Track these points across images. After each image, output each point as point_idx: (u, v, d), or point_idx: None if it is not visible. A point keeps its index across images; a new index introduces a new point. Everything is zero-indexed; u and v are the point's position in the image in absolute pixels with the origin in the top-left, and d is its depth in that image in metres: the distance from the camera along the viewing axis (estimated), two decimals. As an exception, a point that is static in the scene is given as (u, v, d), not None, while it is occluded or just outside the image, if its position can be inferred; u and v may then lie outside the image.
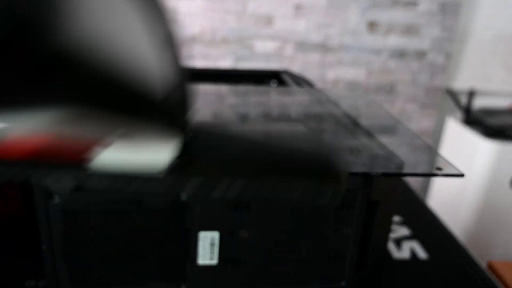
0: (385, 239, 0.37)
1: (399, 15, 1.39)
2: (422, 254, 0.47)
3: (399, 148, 0.35)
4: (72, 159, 0.20)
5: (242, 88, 0.64)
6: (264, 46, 1.42)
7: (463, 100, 1.43)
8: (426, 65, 1.45)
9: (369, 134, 0.38)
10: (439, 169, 0.30)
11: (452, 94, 1.47)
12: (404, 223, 0.54)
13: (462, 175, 0.29)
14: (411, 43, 1.42)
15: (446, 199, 1.41)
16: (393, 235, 0.51)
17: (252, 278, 0.36)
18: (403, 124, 0.43)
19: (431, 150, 0.34)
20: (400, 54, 1.43)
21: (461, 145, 1.37)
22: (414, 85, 1.47)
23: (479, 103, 1.48)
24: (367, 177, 0.33)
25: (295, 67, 1.45)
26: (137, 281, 0.34)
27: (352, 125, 0.42)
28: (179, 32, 0.19)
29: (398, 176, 0.34)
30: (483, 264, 0.47)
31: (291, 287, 0.37)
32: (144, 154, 0.20)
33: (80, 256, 0.33)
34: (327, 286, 0.37)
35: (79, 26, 0.17)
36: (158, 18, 0.18)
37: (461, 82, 1.49)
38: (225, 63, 1.42)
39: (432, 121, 1.52)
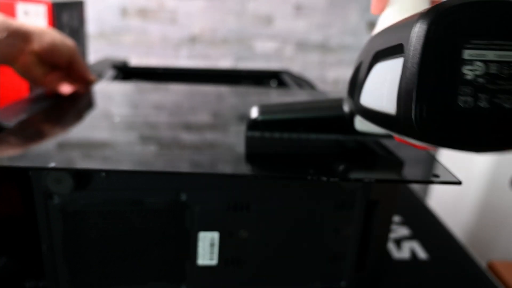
0: (385, 239, 0.37)
1: (399, 15, 1.38)
2: (422, 254, 0.47)
3: (398, 148, 0.35)
4: None
5: (242, 88, 0.64)
6: (264, 46, 1.42)
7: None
8: (426, 65, 1.44)
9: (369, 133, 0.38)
10: (436, 176, 0.30)
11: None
12: (404, 223, 0.54)
13: (459, 183, 0.29)
14: (411, 43, 1.41)
15: (446, 199, 1.41)
16: (393, 235, 0.51)
17: (252, 278, 0.36)
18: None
19: (430, 156, 0.34)
20: (400, 54, 1.43)
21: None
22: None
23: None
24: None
25: (295, 67, 1.45)
26: (137, 281, 0.34)
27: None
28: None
29: (394, 182, 0.34)
30: (483, 264, 0.47)
31: (291, 287, 0.37)
32: None
33: (80, 256, 0.33)
34: (327, 286, 0.37)
35: None
36: None
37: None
38: (225, 63, 1.42)
39: (432, 121, 1.51)
